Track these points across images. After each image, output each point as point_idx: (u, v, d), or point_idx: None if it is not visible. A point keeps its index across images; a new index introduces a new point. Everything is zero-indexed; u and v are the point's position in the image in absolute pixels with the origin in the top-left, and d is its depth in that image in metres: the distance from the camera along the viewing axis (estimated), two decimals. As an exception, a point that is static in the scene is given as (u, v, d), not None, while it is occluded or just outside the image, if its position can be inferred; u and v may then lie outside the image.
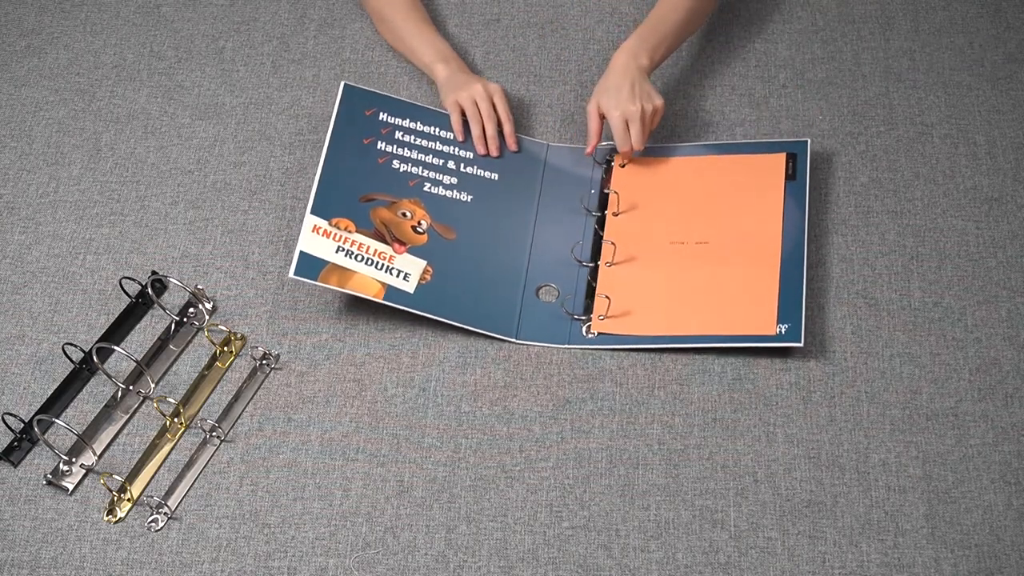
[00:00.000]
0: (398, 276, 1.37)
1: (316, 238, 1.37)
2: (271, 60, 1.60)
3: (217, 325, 1.38)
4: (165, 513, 1.25)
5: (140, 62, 1.61)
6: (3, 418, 1.29)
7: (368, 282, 1.35)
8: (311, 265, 1.35)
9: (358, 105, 1.48)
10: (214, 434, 1.30)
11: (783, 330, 1.33)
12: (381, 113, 1.49)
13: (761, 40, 1.60)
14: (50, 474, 1.28)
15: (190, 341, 1.38)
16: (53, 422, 1.29)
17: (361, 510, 1.26)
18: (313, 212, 1.38)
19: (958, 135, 1.51)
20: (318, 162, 1.42)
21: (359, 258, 1.37)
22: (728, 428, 1.30)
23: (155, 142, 1.53)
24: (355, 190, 1.42)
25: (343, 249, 1.37)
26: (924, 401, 1.31)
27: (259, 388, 1.34)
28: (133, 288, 1.40)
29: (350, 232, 1.38)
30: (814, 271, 1.40)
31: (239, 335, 1.37)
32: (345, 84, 1.49)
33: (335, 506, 1.26)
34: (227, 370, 1.35)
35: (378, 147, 1.46)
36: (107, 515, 1.26)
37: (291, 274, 1.34)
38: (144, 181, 1.50)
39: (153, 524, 1.25)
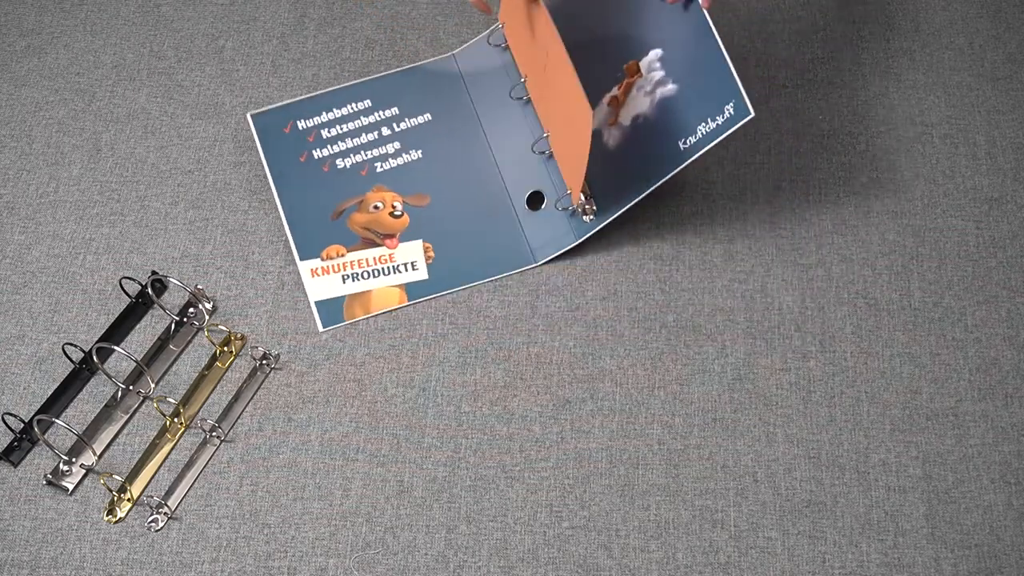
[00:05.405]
0: (407, 269, 1.36)
1: (319, 280, 1.37)
2: (271, 60, 1.60)
3: (217, 325, 1.38)
4: (165, 513, 1.25)
5: (140, 62, 1.61)
6: (3, 418, 1.29)
7: (387, 293, 1.36)
8: (332, 310, 1.35)
9: (273, 127, 1.47)
10: (214, 434, 1.30)
11: (731, 110, 1.30)
12: (297, 123, 1.47)
13: (761, 40, 1.60)
14: (50, 474, 1.28)
15: (190, 341, 1.38)
16: (53, 422, 1.29)
17: (361, 510, 1.26)
18: (302, 259, 1.38)
19: (958, 135, 1.51)
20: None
21: (365, 275, 1.37)
22: (728, 428, 1.30)
23: (155, 142, 1.53)
24: (323, 213, 1.41)
25: (347, 276, 1.37)
26: (924, 401, 1.31)
27: (259, 388, 1.34)
28: (133, 288, 1.40)
29: (343, 256, 1.38)
30: (814, 271, 1.40)
31: (239, 335, 1.37)
32: (251, 115, 1.47)
33: (335, 506, 1.26)
34: (227, 370, 1.36)
35: (314, 157, 1.45)
36: (107, 515, 1.26)
37: (320, 329, 1.35)
38: (144, 181, 1.50)
39: (153, 524, 1.25)
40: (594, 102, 1.42)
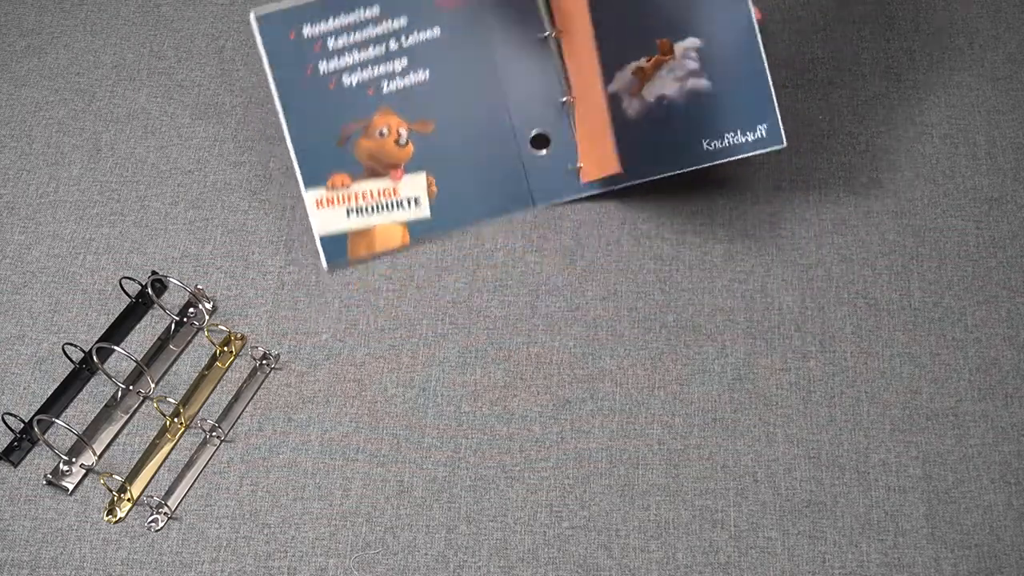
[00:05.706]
0: (410, 206, 1.35)
1: (324, 212, 1.35)
2: (271, 60, 1.60)
3: (217, 325, 1.38)
4: (165, 513, 1.25)
5: (140, 62, 1.61)
6: (3, 418, 1.29)
7: (391, 231, 1.35)
8: (336, 247, 1.34)
9: (279, 33, 1.36)
10: (214, 434, 1.30)
11: (763, 132, 1.30)
12: (304, 28, 1.37)
13: (761, 40, 1.60)
14: (50, 474, 1.28)
15: (190, 341, 1.38)
16: (53, 422, 1.29)
17: (361, 510, 1.26)
18: (307, 186, 1.36)
19: (958, 135, 1.51)
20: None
21: (369, 209, 1.35)
22: (728, 428, 1.30)
23: (155, 142, 1.53)
24: (329, 137, 1.37)
25: (352, 209, 1.35)
26: (924, 401, 1.31)
27: (259, 388, 1.34)
28: (133, 288, 1.40)
29: (347, 187, 1.36)
30: (814, 270, 1.40)
31: (239, 335, 1.37)
32: (255, 16, 1.35)
33: (335, 506, 1.26)
34: (227, 370, 1.36)
35: (320, 71, 1.37)
36: (107, 515, 1.26)
37: (324, 268, 1.34)
38: (144, 181, 1.50)
39: (153, 524, 1.25)
40: (620, 64, 1.39)
